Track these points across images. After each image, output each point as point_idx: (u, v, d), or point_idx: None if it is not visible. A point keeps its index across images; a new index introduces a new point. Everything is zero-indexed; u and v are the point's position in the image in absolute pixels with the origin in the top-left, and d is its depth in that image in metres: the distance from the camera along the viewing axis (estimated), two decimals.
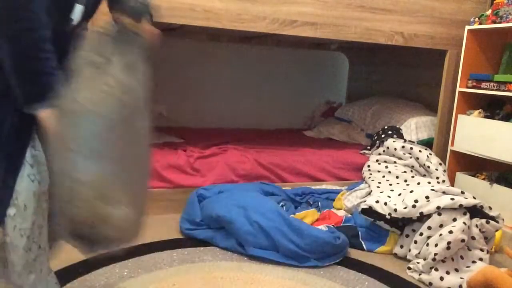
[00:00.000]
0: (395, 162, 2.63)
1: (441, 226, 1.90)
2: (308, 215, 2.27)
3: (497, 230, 2.00)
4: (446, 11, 2.74)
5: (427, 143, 2.90)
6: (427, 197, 1.98)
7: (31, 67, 1.00)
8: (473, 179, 2.60)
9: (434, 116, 2.98)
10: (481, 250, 1.92)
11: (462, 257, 1.88)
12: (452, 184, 2.69)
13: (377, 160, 2.70)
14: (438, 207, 1.92)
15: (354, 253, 2.06)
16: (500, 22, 2.51)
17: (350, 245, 2.06)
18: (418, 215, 1.96)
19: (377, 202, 2.10)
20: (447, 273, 1.81)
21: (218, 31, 3.15)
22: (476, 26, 2.63)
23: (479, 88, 2.60)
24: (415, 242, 1.97)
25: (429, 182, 2.38)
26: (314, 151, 2.92)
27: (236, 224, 1.97)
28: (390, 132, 2.88)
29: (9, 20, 0.96)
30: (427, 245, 1.90)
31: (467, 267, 1.86)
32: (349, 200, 2.45)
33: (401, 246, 2.05)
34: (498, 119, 2.53)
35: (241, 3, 2.28)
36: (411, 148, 2.63)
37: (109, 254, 1.88)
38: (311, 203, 2.49)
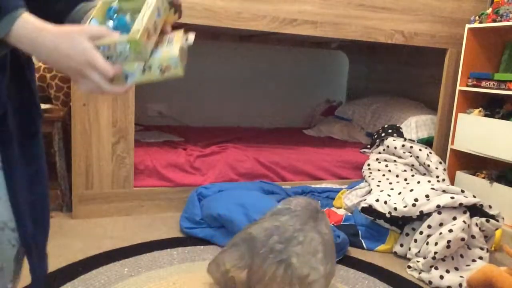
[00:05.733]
0: (395, 161, 2.63)
1: (441, 224, 1.90)
2: None
3: (497, 229, 2.00)
4: (446, 9, 2.74)
5: (427, 142, 2.90)
6: (427, 196, 1.99)
7: None
8: (473, 178, 2.60)
9: (434, 114, 2.98)
10: (481, 248, 1.92)
11: (462, 256, 1.89)
12: (452, 183, 2.69)
13: (377, 159, 2.70)
14: (438, 206, 1.92)
15: (354, 252, 2.06)
16: (500, 21, 2.51)
17: (350, 243, 2.07)
18: (418, 213, 1.96)
19: (377, 200, 2.10)
20: (447, 271, 1.81)
21: (218, 30, 3.14)
22: (476, 25, 2.62)
23: (479, 86, 2.60)
24: (415, 240, 1.97)
25: (429, 181, 2.38)
26: (314, 149, 2.92)
27: (236, 223, 1.97)
28: (390, 131, 2.88)
29: None
30: (427, 243, 1.90)
31: (467, 265, 1.86)
32: (349, 198, 2.45)
33: (401, 245, 2.05)
34: (498, 118, 2.52)
35: (241, 2, 2.28)
36: (411, 147, 2.63)
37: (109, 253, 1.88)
38: None
